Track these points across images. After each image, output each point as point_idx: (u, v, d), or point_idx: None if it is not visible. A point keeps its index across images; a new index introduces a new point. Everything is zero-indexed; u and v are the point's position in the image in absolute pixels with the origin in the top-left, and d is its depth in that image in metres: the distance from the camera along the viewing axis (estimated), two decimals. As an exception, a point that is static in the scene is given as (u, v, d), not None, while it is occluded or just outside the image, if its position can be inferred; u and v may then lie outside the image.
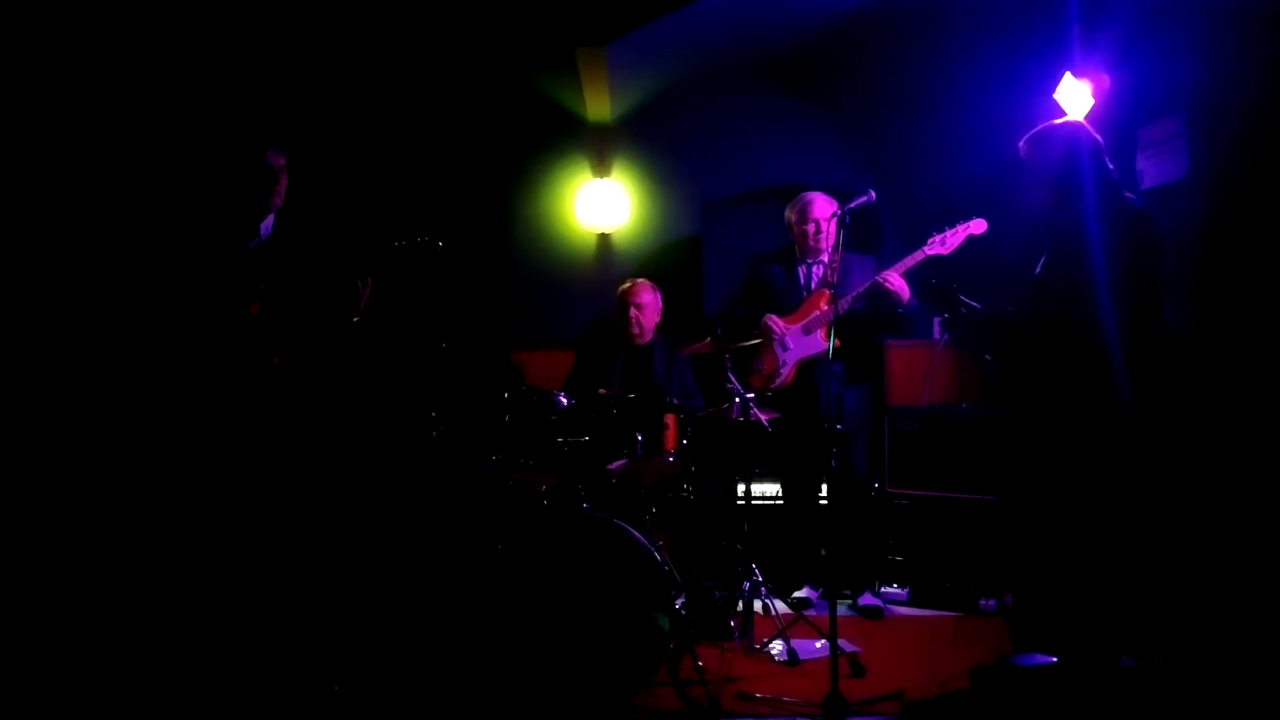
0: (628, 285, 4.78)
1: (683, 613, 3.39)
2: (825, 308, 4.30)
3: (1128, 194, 3.30)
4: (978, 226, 4.12)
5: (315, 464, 3.52)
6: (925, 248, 4.16)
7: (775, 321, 4.43)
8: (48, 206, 5.06)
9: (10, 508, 3.99)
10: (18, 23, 4.64)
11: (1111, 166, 3.31)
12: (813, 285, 4.53)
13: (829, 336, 3.41)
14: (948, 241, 4.12)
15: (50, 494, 4.09)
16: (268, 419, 3.34)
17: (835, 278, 3.56)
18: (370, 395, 4.85)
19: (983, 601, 4.46)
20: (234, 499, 3.27)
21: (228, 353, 3.31)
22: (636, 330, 4.69)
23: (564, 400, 3.74)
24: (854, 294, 4.25)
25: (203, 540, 3.27)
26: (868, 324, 4.44)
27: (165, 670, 3.19)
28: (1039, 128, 3.40)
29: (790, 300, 4.51)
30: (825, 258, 4.47)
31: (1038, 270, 3.38)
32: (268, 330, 3.35)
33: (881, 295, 4.24)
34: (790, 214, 4.58)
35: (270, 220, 3.48)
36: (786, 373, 4.41)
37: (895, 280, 4.19)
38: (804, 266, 4.58)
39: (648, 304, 4.71)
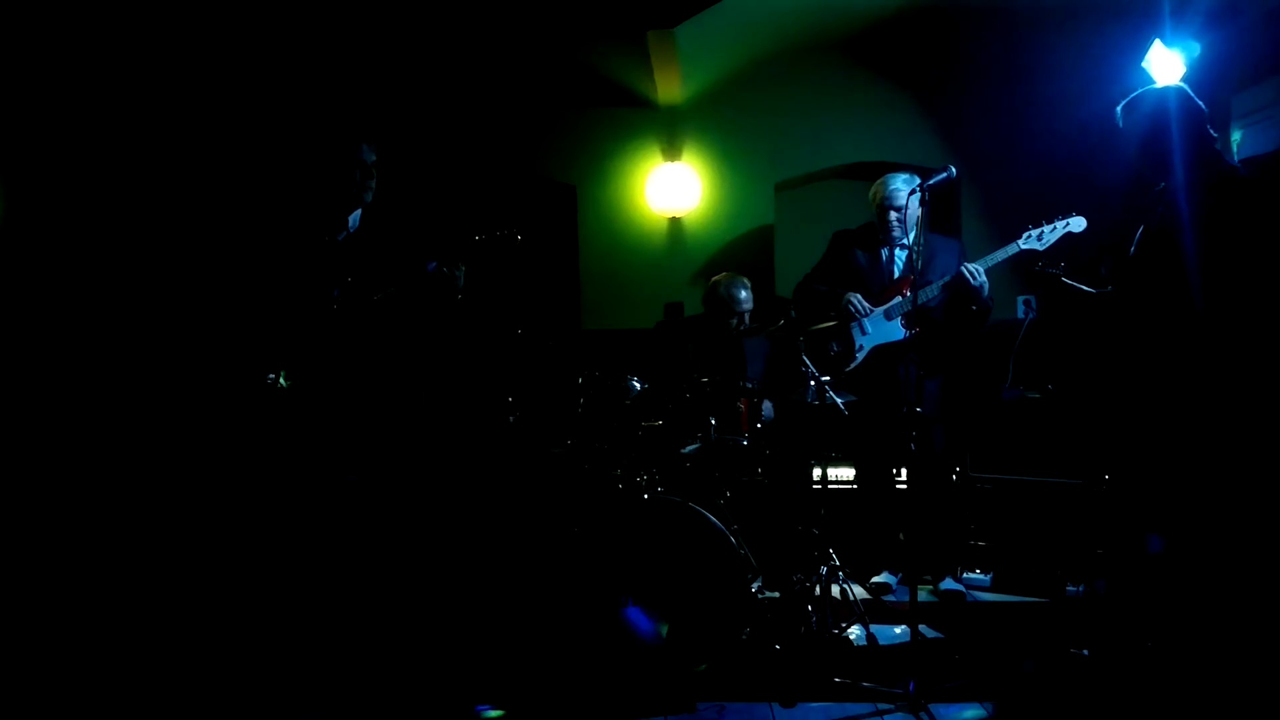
0: (725, 280, 4.69)
1: (759, 596, 3.37)
2: (908, 294, 4.12)
3: (1234, 162, 3.13)
4: (1077, 224, 3.91)
5: (398, 451, 3.57)
6: (1020, 241, 3.98)
7: (859, 301, 4.33)
8: (146, 201, 5.25)
9: (104, 489, 4.16)
10: (132, 28, 4.81)
11: (1215, 134, 3.14)
12: (895, 269, 4.38)
13: (908, 325, 3.28)
14: (1044, 238, 3.94)
15: (148, 473, 4.25)
16: (353, 408, 3.41)
17: (920, 262, 3.37)
18: (455, 382, 4.91)
19: (1070, 587, 4.33)
20: (315, 483, 3.36)
21: (314, 342, 3.38)
22: (742, 326, 4.64)
23: (637, 384, 3.73)
24: (937, 283, 4.15)
25: (289, 519, 3.37)
26: (945, 318, 4.29)
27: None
28: (1134, 93, 3.23)
29: (873, 283, 4.38)
30: (909, 240, 4.31)
31: (1133, 247, 3.24)
32: (352, 321, 3.41)
33: (962, 289, 4.10)
34: (873, 194, 4.42)
35: (358, 214, 3.54)
36: (863, 357, 4.33)
37: (980, 275, 4.05)
38: (887, 249, 4.41)
39: (748, 299, 4.67)
